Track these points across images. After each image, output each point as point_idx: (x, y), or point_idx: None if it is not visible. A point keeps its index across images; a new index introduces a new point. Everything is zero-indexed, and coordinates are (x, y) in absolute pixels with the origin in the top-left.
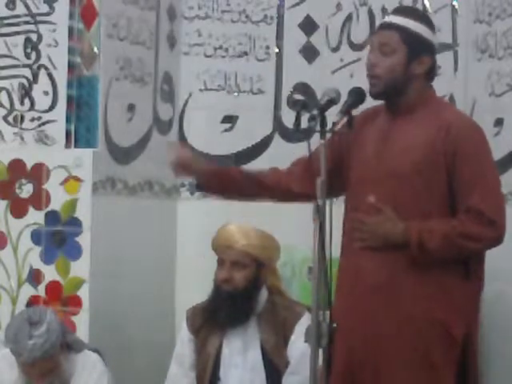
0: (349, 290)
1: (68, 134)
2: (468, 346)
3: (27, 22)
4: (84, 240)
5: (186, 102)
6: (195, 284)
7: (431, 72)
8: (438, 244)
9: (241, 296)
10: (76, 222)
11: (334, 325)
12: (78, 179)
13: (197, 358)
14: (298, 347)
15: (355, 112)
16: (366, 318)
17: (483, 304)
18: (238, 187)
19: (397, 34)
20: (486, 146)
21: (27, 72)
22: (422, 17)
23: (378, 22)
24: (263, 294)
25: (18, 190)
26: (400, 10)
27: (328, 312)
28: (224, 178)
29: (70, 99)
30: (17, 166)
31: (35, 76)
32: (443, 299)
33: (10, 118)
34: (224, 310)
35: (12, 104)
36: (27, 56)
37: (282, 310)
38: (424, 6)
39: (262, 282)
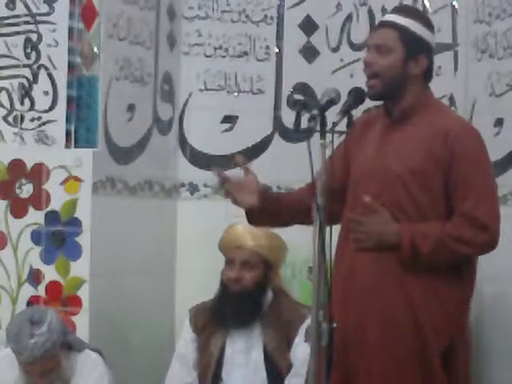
0: (343, 291)
1: (68, 134)
2: (451, 355)
3: (27, 22)
4: (84, 240)
5: (186, 101)
6: (195, 284)
7: (428, 73)
8: (431, 247)
9: (249, 297)
10: (76, 222)
11: (334, 325)
12: (78, 179)
13: (199, 358)
14: (303, 349)
15: (355, 112)
16: (356, 321)
17: (483, 304)
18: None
19: (395, 32)
20: (482, 150)
21: (27, 72)
22: (421, 16)
23: (377, 22)
24: (269, 295)
25: (18, 190)
26: (399, 9)
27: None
28: (275, 209)
29: (69, 99)
30: (17, 166)
31: (35, 76)
32: (430, 304)
33: (10, 118)
34: (231, 310)
35: (12, 104)
36: (27, 56)
37: (287, 311)
38: (424, 5)
39: (269, 283)
